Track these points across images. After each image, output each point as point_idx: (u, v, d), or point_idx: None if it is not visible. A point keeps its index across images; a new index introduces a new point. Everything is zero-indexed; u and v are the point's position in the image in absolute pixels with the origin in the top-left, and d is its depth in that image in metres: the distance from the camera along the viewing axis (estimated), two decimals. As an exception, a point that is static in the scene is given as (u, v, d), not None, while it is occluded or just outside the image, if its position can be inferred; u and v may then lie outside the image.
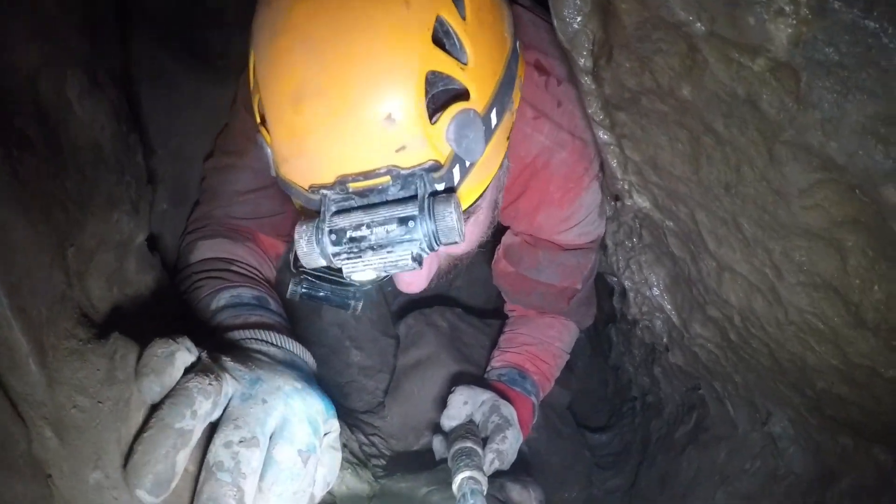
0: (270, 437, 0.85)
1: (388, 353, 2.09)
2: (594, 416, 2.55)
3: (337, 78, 0.84)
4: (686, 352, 1.60)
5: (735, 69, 0.80)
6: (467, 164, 0.92)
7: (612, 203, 1.48)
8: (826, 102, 0.72)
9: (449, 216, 0.84)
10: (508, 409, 1.43)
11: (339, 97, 0.84)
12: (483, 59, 0.93)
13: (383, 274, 0.90)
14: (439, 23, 0.88)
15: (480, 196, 1.01)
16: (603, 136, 1.26)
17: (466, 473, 1.23)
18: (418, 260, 0.87)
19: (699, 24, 0.80)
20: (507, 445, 1.35)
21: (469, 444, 1.31)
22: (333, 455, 0.94)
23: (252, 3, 0.95)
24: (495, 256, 1.63)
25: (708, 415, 1.69)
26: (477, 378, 1.68)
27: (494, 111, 0.96)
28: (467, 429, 1.37)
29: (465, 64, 0.90)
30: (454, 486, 1.23)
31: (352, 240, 0.86)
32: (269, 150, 0.94)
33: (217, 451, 0.79)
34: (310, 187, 0.90)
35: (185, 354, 0.82)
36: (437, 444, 1.42)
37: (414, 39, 0.85)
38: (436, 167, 0.88)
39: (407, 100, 0.84)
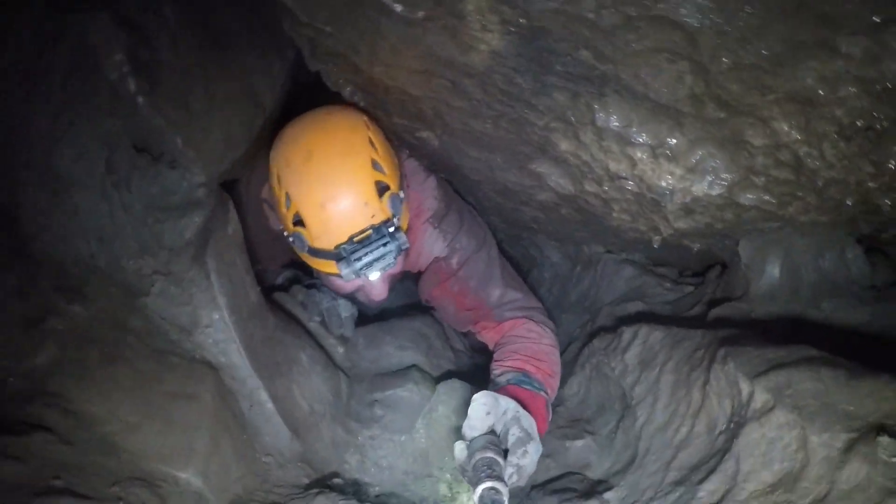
0: None
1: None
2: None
3: (339, 190, 1.68)
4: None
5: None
6: (398, 221, 1.73)
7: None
8: None
9: (400, 236, 1.69)
10: (529, 421, 1.43)
11: (342, 199, 1.68)
12: (391, 168, 1.79)
13: (382, 272, 1.73)
14: (372, 161, 1.74)
15: (406, 230, 1.84)
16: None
17: (488, 484, 1.21)
18: (395, 256, 1.69)
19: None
20: (528, 461, 1.35)
21: (491, 454, 1.29)
22: None
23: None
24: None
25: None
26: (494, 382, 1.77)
27: (402, 193, 1.80)
28: (489, 439, 1.35)
29: (385, 174, 1.75)
30: (475, 497, 1.22)
31: (359, 259, 1.66)
32: (305, 240, 1.72)
33: None
34: (335, 247, 1.68)
35: None
36: (459, 451, 1.40)
37: (366, 169, 1.72)
38: (388, 222, 1.70)
39: (370, 194, 1.70)
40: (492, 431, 1.38)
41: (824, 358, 1.15)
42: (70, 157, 1.51)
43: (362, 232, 1.65)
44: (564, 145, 1.51)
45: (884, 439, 0.93)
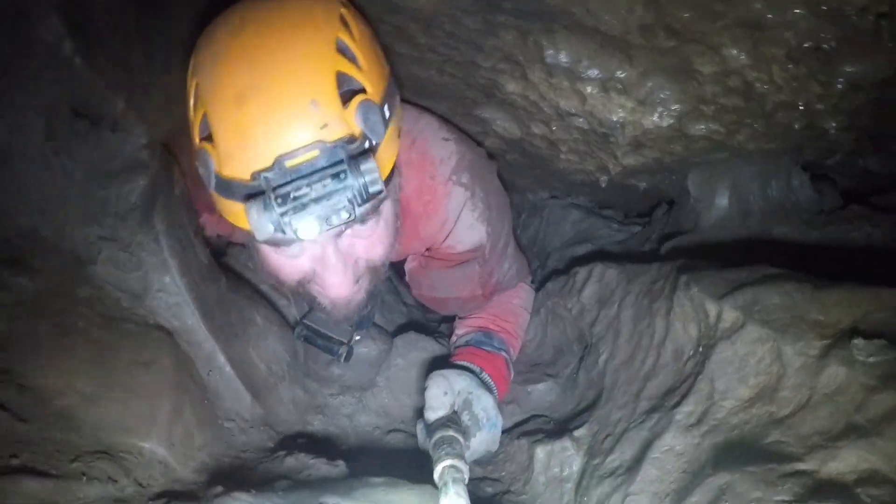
0: None
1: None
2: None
3: (271, 78, 0.95)
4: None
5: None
6: (374, 142, 1.00)
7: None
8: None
9: (371, 170, 0.93)
10: (481, 404, 1.33)
11: (274, 92, 0.95)
12: (371, 64, 1.06)
13: (326, 227, 0.94)
14: (339, 40, 1.01)
15: (387, 179, 1.07)
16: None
17: (448, 462, 1.14)
18: (353, 205, 0.94)
19: None
20: (473, 448, 1.29)
21: (451, 432, 1.21)
22: None
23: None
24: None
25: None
26: (443, 357, 1.61)
27: (387, 105, 1.06)
28: (449, 418, 1.28)
29: (360, 68, 1.03)
30: (436, 475, 1.14)
31: (295, 198, 0.91)
32: (211, 162, 0.99)
33: None
34: (252, 175, 0.94)
35: None
36: (420, 432, 1.33)
37: (325, 49, 0.99)
38: (352, 140, 0.96)
39: (325, 89, 0.96)
40: (453, 412, 1.31)
41: (787, 274, 1.07)
42: (6, 127, 1.31)
43: (302, 150, 0.93)
44: (512, 86, 1.40)
45: (859, 341, 0.86)
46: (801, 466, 0.75)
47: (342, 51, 1.01)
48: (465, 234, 1.42)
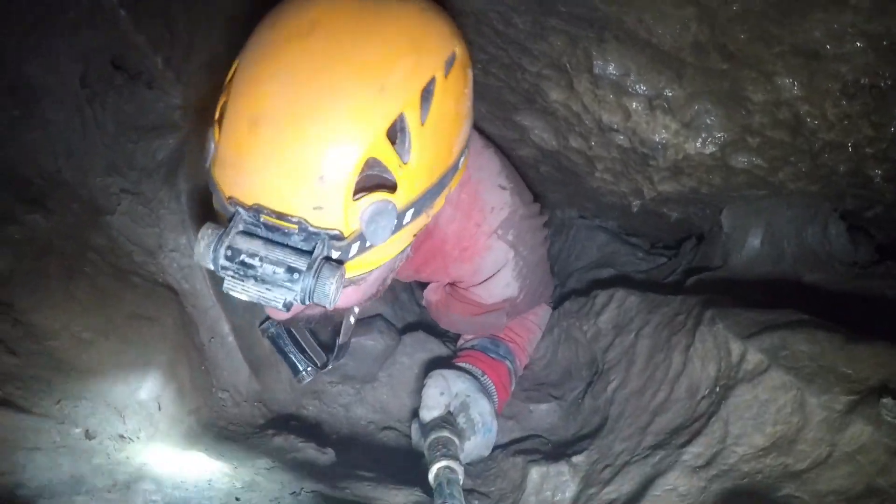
0: None
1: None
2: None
3: (296, 119, 0.81)
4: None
5: None
6: (367, 244, 0.88)
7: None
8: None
9: (329, 284, 0.81)
10: (478, 408, 1.29)
11: (290, 136, 0.81)
12: (423, 164, 0.90)
13: (254, 299, 0.84)
14: (400, 119, 0.85)
15: (369, 272, 0.96)
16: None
17: (443, 463, 1.12)
18: (288, 307, 0.83)
19: None
20: (467, 452, 1.26)
21: (446, 433, 1.19)
22: None
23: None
24: None
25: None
26: (447, 358, 1.55)
27: (412, 211, 0.91)
28: (444, 419, 1.25)
29: (406, 163, 0.87)
30: (430, 476, 1.12)
31: (243, 263, 0.82)
32: (212, 146, 0.90)
33: None
34: (230, 198, 0.85)
35: None
36: (414, 431, 1.31)
37: (373, 125, 0.82)
38: (339, 237, 0.85)
39: (342, 170, 0.82)
40: (448, 412, 1.28)
41: (817, 321, 1.00)
42: (43, 66, 1.31)
43: (284, 216, 0.82)
44: (555, 94, 1.34)
45: (888, 401, 0.79)
46: (810, 525, 0.68)
47: (395, 133, 0.85)
48: (498, 290, 1.36)
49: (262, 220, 0.82)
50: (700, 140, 1.21)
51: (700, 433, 0.99)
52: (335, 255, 0.85)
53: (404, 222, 0.90)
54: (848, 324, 1.01)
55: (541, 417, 1.53)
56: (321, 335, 1.35)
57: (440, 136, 0.92)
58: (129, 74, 1.39)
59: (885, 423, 0.77)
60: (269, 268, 0.80)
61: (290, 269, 0.80)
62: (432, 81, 0.87)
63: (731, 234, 1.40)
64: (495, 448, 1.44)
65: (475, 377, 1.37)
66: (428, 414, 1.26)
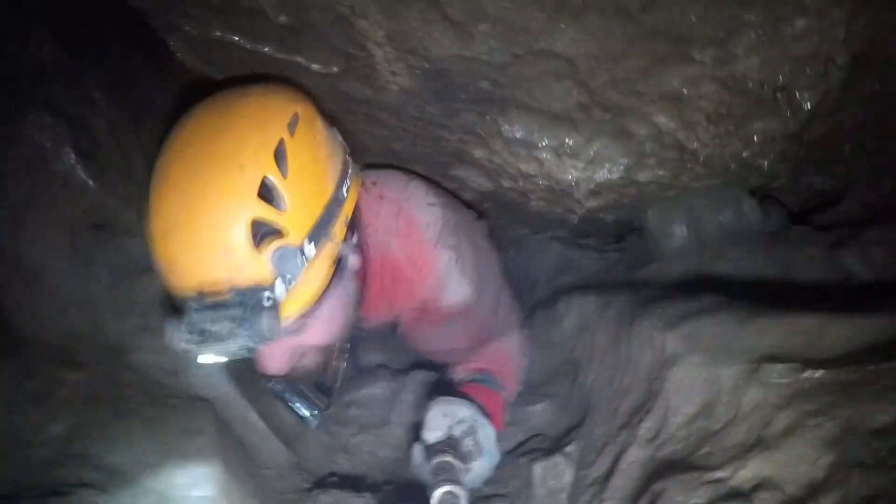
0: None
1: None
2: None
3: (192, 219, 1.06)
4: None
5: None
6: (289, 282, 1.11)
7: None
8: None
9: (261, 322, 1.03)
10: (485, 432, 1.39)
11: (193, 234, 1.06)
12: (299, 205, 1.14)
13: (223, 358, 1.11)
14: (266, 181, 1.10)
15: (313, 304, 1.20)
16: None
17: (446, 488, 1.17)
18: (245, 350, 1.07)
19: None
20: (473, 475, 1.35)
21: (448, 458, 1.24)
22: None
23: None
24: None
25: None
26: (448, 385, 1.67)
27: (312, 245, 1.16)
28: (446, 443, 1.30)
29: (284, 211, 1.11)
30: (433, 501, 1.17)
31: (201, 332, 1.04)
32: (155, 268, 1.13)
33: None
34: (178, 294, 1.10)
35: None
36: (417, 454, 1.36)
37: (243, 196, 1.07)
38: (261, 287, 1.08)
39: (238, 238, 1.06)
40: (450, 436, 1.34)
41: (724, 303, 1.29)
42: (38, 248, 1.55)
43: (217, 289, 1.05)
44: (478, 153, 1.62)
45: (773, 366, 1.07)
46: (718, 474, 0.97)
47: (265, 193, 1.09)
48: (451, 293, 1.55)
49: (206, 301, 1.06)
50: (605, 170, 1.49)
51: (651, 410, 1.27)
52: (267, 301, 1.07)
53: (309, 255, 1.15)
54: (760, 293, 1.30)
55: (538, 417, 1.81)
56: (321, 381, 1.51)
57: (306, 180, 1.18)
58: (110, 230, 1.63)
59: (771, 384, 1.06)
60: (219, 327, 1.03)
61: (233, 319, 1.03)
62: (281, 143, 1.13)
63: (659, 229, 1.68)
64: (505, 453, 1.72)
65: (477, 405, 1.48)
66: (431, 436, 1.34)
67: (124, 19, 1.64)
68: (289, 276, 1.11)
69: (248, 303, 1.04)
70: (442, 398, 1.42)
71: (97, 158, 1.56)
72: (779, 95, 1.23)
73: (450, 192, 1.77)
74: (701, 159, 1.44)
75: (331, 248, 1.22)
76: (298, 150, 1.16)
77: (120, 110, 1.65)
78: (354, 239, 1.39)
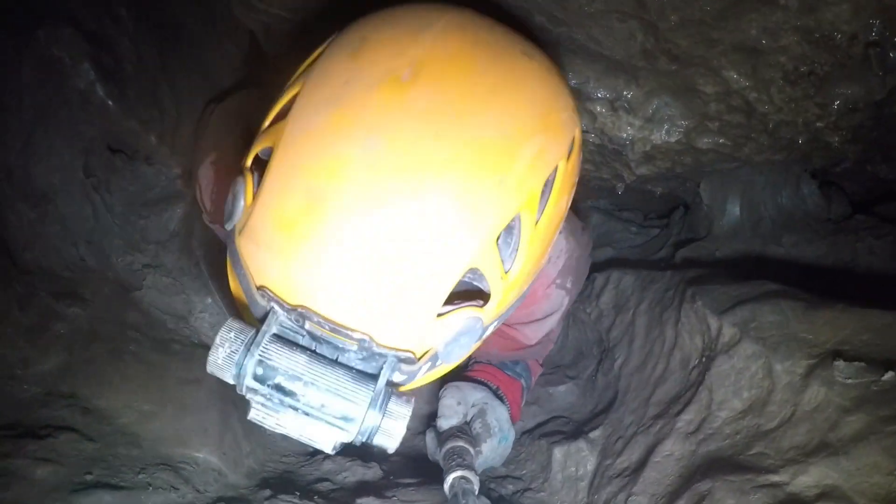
0: None
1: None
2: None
3: (380, 204, 0.63)
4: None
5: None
6: (439, 363, 0.74)
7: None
8: None
9: (398, 425, 0.68)
10: (495, 414, 1.33)
11: (368, 227, 0.64)
12: (524, 272, 0.75)
13: (292, 437, 0.70)
14: (516, 220, 0.71)
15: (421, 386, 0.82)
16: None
17: (459, 473, 1.16)
18: (337, 448, 0.71)
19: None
20: (484, 457, 1.28)
21: (461, 443, 1.24)
22: None
23: None
24: None
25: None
26: (462, 367, 1.51)
27: (494, 324, 0.78)
28: (460, 428, 1.30)
29: (507, 272, 0.72)
30: (446, 486, 1.16)
31: (278, 387, 0.66)
32: (240, 205, 0.72)
33: None
34: (261, 287, 0.69)
35: None
36: (430, 441, 1.33)
37: (484, 227, 0.67)
38: (410, 360, 0.70)
39: (434, 282, 0.66)
40: (464, 422, 1.33)
41: (784, 291, 1.19)
42: (48, 168, 1.50)
43: (336, 329, 0.68)
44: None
45: (840, 363, 0.98)
46: (774, 478, 0.89)
47: (507, 237, 0.72)
48: (544, 329, 1.30)
49: (306, 326, 0.67)
50: (664, 131, 1.39)
51: (691, 401, 1.20)
52: (399, 378, 0.71)
53: (483, 336, 0.76)
54: (820, 284, 1.21)
55: (560, 398, 1.75)
56: None
57: (547, 237, 0.78)
58: (126, 155, 1.57)
59: (836, 383, 0.97)
60: (314, 396, 0.65)
61: (346, 404, 0.65)
62: (555, 171, 0.74)
63: (712, 205, 1.59)
64: (522, 433, 1.65)
65: (490, 389, 1.42)
66: (445, 423, 1.32)
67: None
68: (448, 357, 0.74)
69: (381, 378, 0.68)
70: (452, 384, 1.38)
71: (118, 77, 1.50)
72: (870, 52, 1.11)
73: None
74: (770, 126, 1.32)
75: (496, 329, 0.83)
76: (563, 190, 0.77)
77: (147, 33, 1.57)
78: None
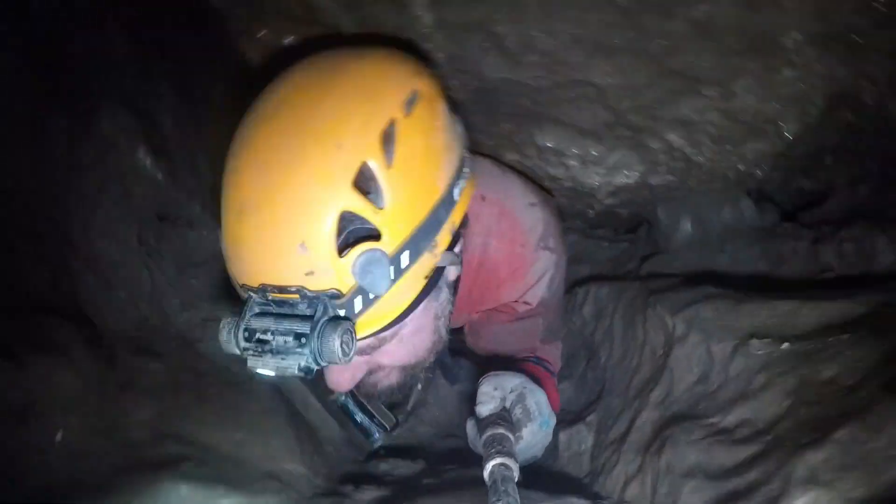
0: None
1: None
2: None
3: (270, 201, 1.16)
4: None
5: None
6: (371, 296, 1.22)
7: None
8: None
9: (332, 341, 1.12)
10: (535, 398, 1.66)
11: (268, 218, 1.16)
12: (402, 205, 1.23)
13: (282, 373, 1.17)
14: (364, 167, 1.18)
15: (394, 322, 1.32)
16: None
17: (498, 460, 1.36)
18: (305, 371, 1.15)
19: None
20: (525, 442, 1.58)
21: (501, 430, 1.47)
22: None
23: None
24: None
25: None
26: (500, 360, 2.07)
27: (407, 253, 1.24)
28: (499, 415, 1.55)
29: (382, 208, 1.20)
30: (485, 473, 1.37)
31: (259, 341, 1.16)
32: (221, 242, 1.27)
33: None
34: (242, 285, 1.24)
35: None
36: (470, 429, 1.62)
37: (336, 181, 1.16)
38: (337, 295, 1.18)
39: (319, 234, 1.15)
40: (503, 408, 1.60)
41: (720, 293, 2.11)
42: (108, 240, 2.14)
43: (282, 290, 1.18)
44: (510, 156, 2.40)
45: (754, 342, 1.87)
46: (711, 420, 1.79)
47: (362, 183, 1.17)
48: (542, 292, 1.99)
49: (269, 297, 1.18)
50: (623, 176, 2.30)
51: (658, 381, 2.09)
52: (341, 312, 1.19)
53: (402, 266, 1.24)
54: (751, 282, 2.13)
55: (560, 395, 2.65)
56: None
57: (414, 173, 1.25)
58: (172, 222, 2.32)
59: (752, 355, 1.88)
60: (280, 339, 1.13)
61: (297, 336, 1.13)
62: (392, 123, 1.21)
63: (668, 224, 2.51)
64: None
65: (527, 374, 1.77)
66: (483, 409, 1.59)
67: (195, 15, 2.20)
68: (372, 288, 1.20)
69: (318, 314, 1.15)
70: (491, 373, 1.72)
71: (165, 152, 2.16)
72: (767, 126, 2.05)
73: (535, 181, 2.34)
74: (704, 169, 2.25)
75: (429, 259, 1.31)
76: (411, 135, 1.24)
77: (183, 105, 2.26)
78: (458, 248, 1.50)
